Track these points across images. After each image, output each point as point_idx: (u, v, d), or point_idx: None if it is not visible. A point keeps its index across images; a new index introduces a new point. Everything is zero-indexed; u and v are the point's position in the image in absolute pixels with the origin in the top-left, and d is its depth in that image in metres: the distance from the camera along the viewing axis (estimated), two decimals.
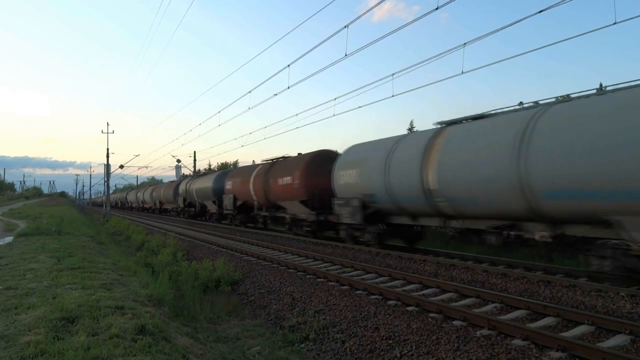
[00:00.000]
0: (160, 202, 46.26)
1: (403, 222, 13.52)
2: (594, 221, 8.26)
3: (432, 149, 11.67)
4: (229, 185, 26.23)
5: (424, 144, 12.03)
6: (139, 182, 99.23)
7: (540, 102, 9.87)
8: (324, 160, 17.67)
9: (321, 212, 17.14)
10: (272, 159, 22.49)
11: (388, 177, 13.01)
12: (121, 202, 75.95)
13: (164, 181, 57.13)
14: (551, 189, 8.64)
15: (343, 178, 15.20)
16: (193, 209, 33.92)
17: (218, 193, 27.97)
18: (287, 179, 19.02)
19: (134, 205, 63.89)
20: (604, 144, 7.73)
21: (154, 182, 79.78)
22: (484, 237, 10.80)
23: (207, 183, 29.87)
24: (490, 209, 10.25)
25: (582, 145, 8.08)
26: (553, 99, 10.10)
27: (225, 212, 26.66)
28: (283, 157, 21.74)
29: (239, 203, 24.76)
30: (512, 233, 9.97)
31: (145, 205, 54.55)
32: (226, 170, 31.97)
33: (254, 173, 22.80)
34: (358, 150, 15.31)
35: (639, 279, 7.96)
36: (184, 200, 35.61)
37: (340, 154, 16.38)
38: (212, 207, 29.35)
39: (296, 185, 18.24)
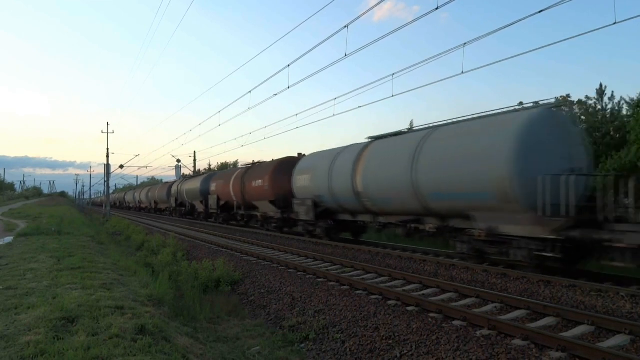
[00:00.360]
0: (155, 202, 48.41)
1: (346, 219, 16.33)
2: (462, 216, 10.83)
3: (360, 159, 14.45)
4: (213, 187, 28.69)
5: (355, 155, 14.81)
6: (139, 182, 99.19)
7: (525, 105, 10.85)
8: (289, 166, 19.70)
9: (285, 210, 19.52)
10: (248, 164, 25.09)
11: (331, 182, 15.73)
12: (119, 202, 77.56)
13: (164, 181, 57.51)
14: (433, 192, 11.33)
15: (299, 182, 17.83)
16: (184, 208, 36.48)
17: (205, 194, 30.51)
18: (259, 182, 21.36)
19: (131, 205, 65.91)
20: (455, 159, 10.63)
21: (153, 182, 79.85)
22: (396, 230, 13.65)
23: (196, 185, 32.31)
24: (398, 208, 12.92)
25: (445, 160, 10.93)
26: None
27: (211, 211, 29.40)
28: (258, 163, 24.29)
29: (221, 203, 27.36)
30: (412, 225, 12.77)
31: (142, 205, 56.63)
32: (211, 173, 34.29)
33: (234, 176, 25.17)
34: (311, 159, 18.17)
35: (503, 260, 10.48)
36: (176, 200, 38.17)
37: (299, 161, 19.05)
38: (199, 207, 32.05)
39: (266, 187, 20.60)
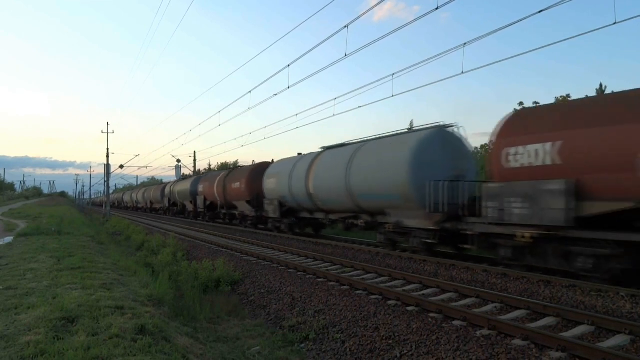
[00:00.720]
0: (150, 202, 51.32)
1: (305, 216, 19.11)
2: (383, 212, 13.70)
3: (313, 166, 17.38)
4: (200, 188, 31.71)
5: (309, 162, 17.76)
6: (139, 182, 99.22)
7: (423, 126, 13.72)
8: (262, 171, 22.44)
9: (258, 209, 22.45)
10: (229, 168, 28.67)
11: (291, 185, 18.51)
12: (118, 202, 79.27)
13: (163, 181, 57.96)
14: (362, 194, 14.27)
15: (268, 185, 20.83)
16: (176, 208, 40.04)
17: (194, 194, 33.43)
18: (237, 184, 24.39)
19: (129, 205, 68.51)
20: (375, 168, 13.56)
21: (153, 182, 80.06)
22: (339, 224, 16.78)
23: (186, 186, 35.33)
24: (340, 206, 15.89)
25: (369, 168, 13.91)
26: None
27: (199, 210, 32.57)
28: (238, 167, 27.84)
29: (207, 203, 30.54)
30: (349, 221, 15.91)
31: (139, 205, 59.46)
32: (199, 175, 37.08)
33: (217, 179, 28.05)
34: (277, 165, 21.33)
35: (433, 251, 12.44)
36: (169, 200, 41.73)
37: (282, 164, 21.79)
38: (189, 206, 35.10)
39: (243, 189, 23.58)
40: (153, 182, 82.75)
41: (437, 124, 13.00)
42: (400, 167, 12.45)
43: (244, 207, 24.20)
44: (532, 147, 9.05)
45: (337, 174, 15.30)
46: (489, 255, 11.26)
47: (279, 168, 20.57)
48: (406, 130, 14.29)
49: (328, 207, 16.69)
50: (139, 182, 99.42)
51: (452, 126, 13.02)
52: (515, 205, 9.26)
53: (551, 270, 9.87)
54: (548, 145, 8.79)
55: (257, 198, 22.45)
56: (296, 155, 21.14)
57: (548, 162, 8.76)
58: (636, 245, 7.74)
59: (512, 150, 9.39)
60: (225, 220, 28.27)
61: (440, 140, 12.67)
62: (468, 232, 10.76)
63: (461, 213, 10.99)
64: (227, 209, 27.36)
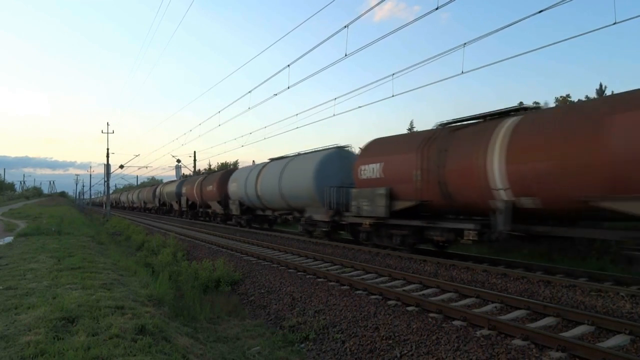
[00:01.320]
0: (144, 202, 55.96)
1: (259, 213, 23.69)
2: (303, 210, 18.20)
3: (260, 173, 22.08)
4: (184, 190, 36.66)
5: (259, 170, 22.50)
6: (139, 182, 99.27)
7: (328, 146, 18.55)
8: (228, 176, 27.11)
9: (226, 208, 27.13)
10: (205, 173, 34.85)
11: (247, 188, 23.18)
12: (115, 202, 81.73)
13: (163, 181, 58.61)
14: (289, 196, 18.96)
15: (232, 188, 25.58)
16: (165, 207, 45.35)
17: (179, 195, 38.43)
18: (210, 187, 29.23)
19: (126, 205, 73.02)
20: (297, 176, 18.23)
21: (153, 183, 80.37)
22: (278, 219, 21.85)
23: (172, 188, 40.68)
24: (278, 205, 20.70)
25: (293, 176, 18.56)
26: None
27: (182, 209, 37.73)
28: (212, 172, 33.54)
29: (189, 202, 35.59)
30: (284, 216, 20.77)
31: (134, 205, 63.90)
32: (184, 179, 41.59)
33: (197, 182, 32.93)
34: (239, 171, 26.61)
35: (331, 237, 16.95)
36: (159, 200, 46.88)
37: (239, 171, 26.93)
38: (175, 206, 40.24)
39: (214, 191, 28.28)
40: (153, 182, 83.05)
41: (337, 145, 18.11)
42: (309, 177, 17.32)
43: (215, 206, 29.09)
44: (370, 166, 13.90)
45: (274, 180, 20.04)
46: (352, 237, 16.23)
47: (239, 174, 25.40)
48: (319, 149, 18.73)
49: (272, 206, 21.63)
50: (139, 182, 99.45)
51: (347, 147, 18.30)
52: (364, 204, 13.85)
53: (551, 270, 9.90)
54: (377, 165, 13.63)
55: (224, 199, 27.00)
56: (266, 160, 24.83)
57: (377, 176, 13.55)
58: (418, 227, 12.45)
59: (363, 167, 14.26)
60: (203, 217, 33.48)
61: (337, 157, 17.64)
62: (344, 222, 15.81)
63: (342, 209, 15.81)
64: (203, 207, 32.64)
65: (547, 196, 9.01)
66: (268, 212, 22.33)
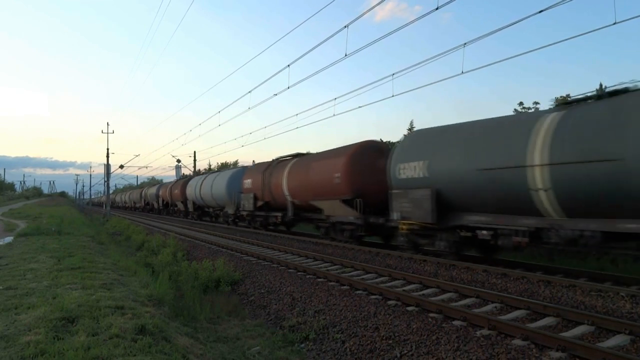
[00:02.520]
0: (134, 202, 64.95)
1: (207, 210, 32.15)
2: (223, 207, 28.86)
3: (202, 183, 30.58)
4: (160, 192, 46.61)
5: (201, 180, 31.47)
6: (139, 182, 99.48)
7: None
8: (187, 182, 36.41)
9: (186, 207, 36.41)
10: (175, 180, 42.98)
11: (195, 192, 32.15)
12: (112, 202, 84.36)
13: (164, 181, 59.89)
14: (216, 198, 28.25)
15: (188, 191, 34.69)
16: (148, 206, 55.29)
17: (157, 197, 47.91)
18: (177, 190, 38.45)
19: (120, 205, 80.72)
20: (215, 185, 28.24)
21: (153, 183, 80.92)
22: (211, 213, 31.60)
23: (153, 190, 50.98)
24: (212, 204, 29.71)
25: (214, 185, 28.36)
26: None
27: (160, 207, 47.44)
28: (180, 179, 41.11)
29: (164, 202, 45.29)
30: (217, 211, 29.54)
31: (126, 205, 73.27)
32: (162, 183, 51.75)
33: (168, 187, 42.94)
34: (192, 180, 35.08)
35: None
36: (144, 201, 57.01)
37: (191, 180, 35.93)
38: (156, 205, 49.62)
39: (179, 193, 37.43)
40: (152, 182, 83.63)
41: (242, 166, 27.10)
42: (223, 186, 26.41)
43: (180, 205, 38.51)
44: (248, 181, 21.45)
45: (208, 188, 29.13)
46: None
47: (193, 182, 34.35)
48: (231, 168, 27.11)
49: (209, 205, 30.72)
50: (139, 182, 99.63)
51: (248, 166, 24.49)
52: (245, 203, 23.40)
53: (551, 270, 9.89)
54: (250, 180, 21.60)
55: (185, 200, 36.17)
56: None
57: (250, 186, 22.44)
58: (264, 215, 21.53)
59: (247, 181, 20.87)
60: (172, 213, 42.94)
61: (241, 173, 25.27)
62: (242, 214, 23.97)
63: (241, 206, 24.02)
64: (173, 206, 41.82)
65: (299, 198, 18.42)
66: (208, 209, 31.81)
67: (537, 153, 8.99)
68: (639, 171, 7.47)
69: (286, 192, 19.11)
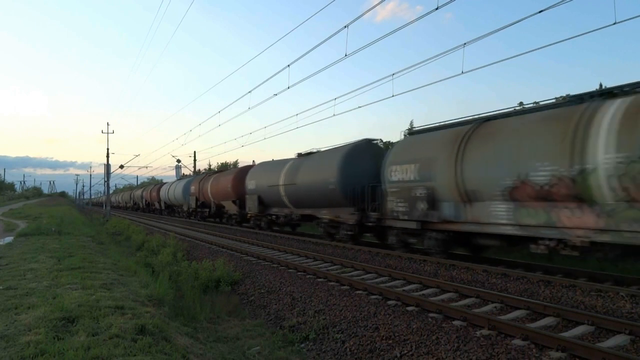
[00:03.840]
0: (125, 202, 75.04)
1: (174, 208, 41.68)
2: (182, 205, 40.04)
3: (170, 187, 42.08)
4: (144, 194, 56.70)
5: (170, 185, 43.05)
6: (139, 182, 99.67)
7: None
8: (160, 186, 46.78)
9: (160, 205, 46.45)
10: (153, 185, 53.95)
11: (168, 194, 41.61)
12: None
13: (163, 181, 60.61)
14: (178, 198, 38.90)
15: (162, 193, 44.59)
16: (136, 205, 63.81)
17: (142, 198, 57.41)
18: (154, 193, 48.60)
19: (114, 205, 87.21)
20: (175, 190, 39.71)
21: (152, 182, 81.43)
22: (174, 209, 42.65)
23: (139, 192, 61.53)
24: (176, 203, 39.99)
25: (176, 190, 39.35)
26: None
27: (143, 207, 57.32)
28: (157, 184, 51.69)
29: (147, 202, 54.82)
30: (178, 208, 40.35)
31: (120, 205, 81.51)
32: (146, 186, 62.69)
33: (149, 189, 53.73)
34: (164, 185, 45.84)
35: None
36: (133, 201, 66.13)
37: (163, 185, 46.87)
38: (141, 204, 59.19)
39: (155, 195, 47.62)
40: (152, 182, 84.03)
41: (207, 171, 40.31)
42: (180, 190, 36.51)
43: (156, 204, 48.54)
44: (193, 187, 32.92)
45: (172, 192, 38.91)
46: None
47: (164, 187, 44.28)
48: (192, 176, 32.14)
49: (175, 204, 40.02)
50: (139, 182, 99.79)
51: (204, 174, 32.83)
52: (191, 201, 34.80)
53: (551, 270, 9.90)
54: (194, 185, 33.93)
55: (159, 200, 45.72)
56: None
57: (192, 190, 34.39)
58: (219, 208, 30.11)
59: (215, 184, 27.99)
60: (153, 212, 52.28)
61: (190, 181, 35.32)
62: (196, 211, 32.43)
63: (194, 205, 32.72)
64: (152, 205, 51.58)
65: (216, 200, 28.62)
66: (174, 207, 41.48)
67: (282, 178, 19.48)
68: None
69: (210, 196, 29.21)
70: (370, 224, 14.33)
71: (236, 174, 26.03)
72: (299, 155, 19.52)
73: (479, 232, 10.72)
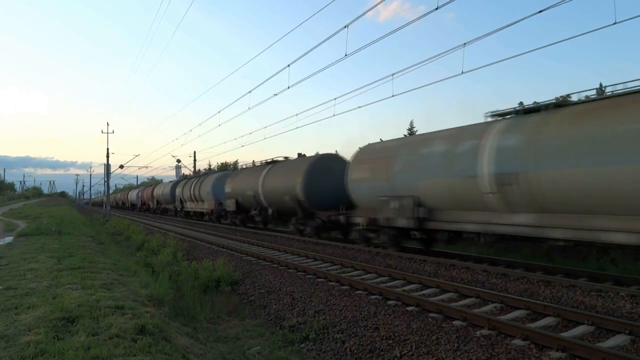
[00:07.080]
0: (122, 202, 79.86)
1: (166, 207, 46.04)
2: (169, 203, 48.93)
3: (155, 188, 52.69)
4: (140, 194, 60.72)
5: (155, 186, 54.34)
6: (139, 182, 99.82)
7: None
8: (154, 188, 52.55)
9: (152, 204, 52.11)
10: (147, 186, 60.53)
11: (157, 195, 48.99)
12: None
13: (163, 181, 61.66)
14: (163, 198, 47.23)
15: (155, 193, 50.13)
16: (131, 206, 68.81)
17: (140, 198, 60.94)
18: (148, 192, 54.37)
19: (112, 205, 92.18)
20: (161, 191, 47.92)
21: (152, 182, 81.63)
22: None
23: (134, 193, 66.72)
24: (164, 201, 46.17)
25: (161, 191, 48.39)
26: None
27: (139, 206, 61.08)
28: (147, 185, 63.13)
29: (142, 201, 58.42)
30: (163, 207, 47.40)
31: (119, 205, 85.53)
32: (143, 187, 66.13)
33: (145, 190, 57.85)
34: (159, 186, 50.83)
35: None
36: (129, 201, 71.09)
37: (157, 186, 53.05)
38: (138, 204, 62.87)
39: (150, 195, 52.37)
40: (152, 182, 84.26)
41: (193, 175, 40.94)
42: (168, 190, 43.02)
43: (150, 203, 52.49)
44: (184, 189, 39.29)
45: (160, 191, 46.65)
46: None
47: (157, 188, 49.02)
48: (181, 178, 37.70)
49: (164, 201, 44.63)
50: (139, 182, 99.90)
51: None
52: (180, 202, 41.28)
53: (551, 270, 9.90)
54: (171, 189, 43.01)
55: (153, 199, 50.19)
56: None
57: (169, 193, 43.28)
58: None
59: (202, 186, 32.89)
60: (144, 211, 57.28)
61: (175, 184, 41.94)
62: (179, 209, 39.29)
63: (179, 204, 39.04)
64: (141, 204, 58.59)
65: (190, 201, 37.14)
66: (165, 206, 45.25)
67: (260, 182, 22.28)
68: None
69: (186, 198, 36.53)
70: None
71: (215, 181, 31.37)
72: (267, 162, 23.48)
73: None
